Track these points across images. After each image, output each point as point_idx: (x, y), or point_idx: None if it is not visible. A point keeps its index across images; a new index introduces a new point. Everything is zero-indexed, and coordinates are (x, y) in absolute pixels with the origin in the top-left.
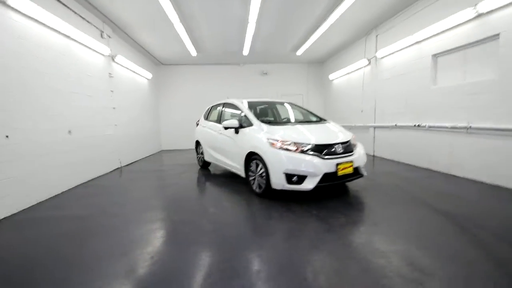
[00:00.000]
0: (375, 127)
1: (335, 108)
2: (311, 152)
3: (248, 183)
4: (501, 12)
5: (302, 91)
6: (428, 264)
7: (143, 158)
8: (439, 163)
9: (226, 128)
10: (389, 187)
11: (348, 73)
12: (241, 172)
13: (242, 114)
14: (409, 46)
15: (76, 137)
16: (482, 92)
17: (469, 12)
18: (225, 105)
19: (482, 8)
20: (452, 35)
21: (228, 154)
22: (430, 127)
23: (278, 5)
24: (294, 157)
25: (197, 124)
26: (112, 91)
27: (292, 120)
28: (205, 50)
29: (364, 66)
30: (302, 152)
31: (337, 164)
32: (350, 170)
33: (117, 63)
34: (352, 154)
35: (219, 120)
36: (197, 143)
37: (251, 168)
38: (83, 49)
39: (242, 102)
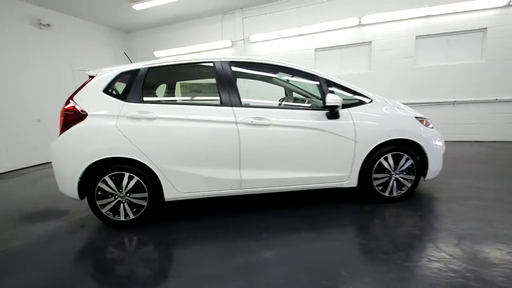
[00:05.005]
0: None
1: None
2: None
3: (341, 195)
4: (374, 26)
5: None
6: None
7: None
8: None
9: (334, 108)
10: None
11: (193, 52)
12: (348, 181)
13: (326, 84)
14: (293, 36)
15: None
16: (358, 81)
17: (354, 21)
18: (248, 65)
19: (364, 20)
20: (335, 35)
21: (297, 163)
22: None
23: None
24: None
25: (73, 119)
26: None
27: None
28: None
29: (224, 48)
30: None
31: None
32: None
33: None
34: None
35: (237, 102)
36: (103, 168)
37: (377, 167)
38: None
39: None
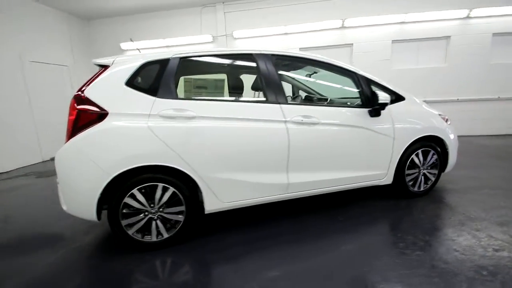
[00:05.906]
0: None
1: None
2: None
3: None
4: (356, 29)
5: (67, 61)
6: None
7: None
8: None
9: (385, 105)
10: None
11: (168, 46)
12: (385, 178)
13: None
14: (278, 35)
15: None
16: None
17: (338, 23)
18: (295, 60)
19: (347, 23)
20: (319, 36)
21: (343, 163)
22: None
23: None
24: None
25: (90, 119)
26: None
27: None
28: None
29: (204, 43)
30: None
31: None
32: None
33: None
34: None
35: (284, 99)
36: (129, 179)
37: (409, 163)
38: None
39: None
